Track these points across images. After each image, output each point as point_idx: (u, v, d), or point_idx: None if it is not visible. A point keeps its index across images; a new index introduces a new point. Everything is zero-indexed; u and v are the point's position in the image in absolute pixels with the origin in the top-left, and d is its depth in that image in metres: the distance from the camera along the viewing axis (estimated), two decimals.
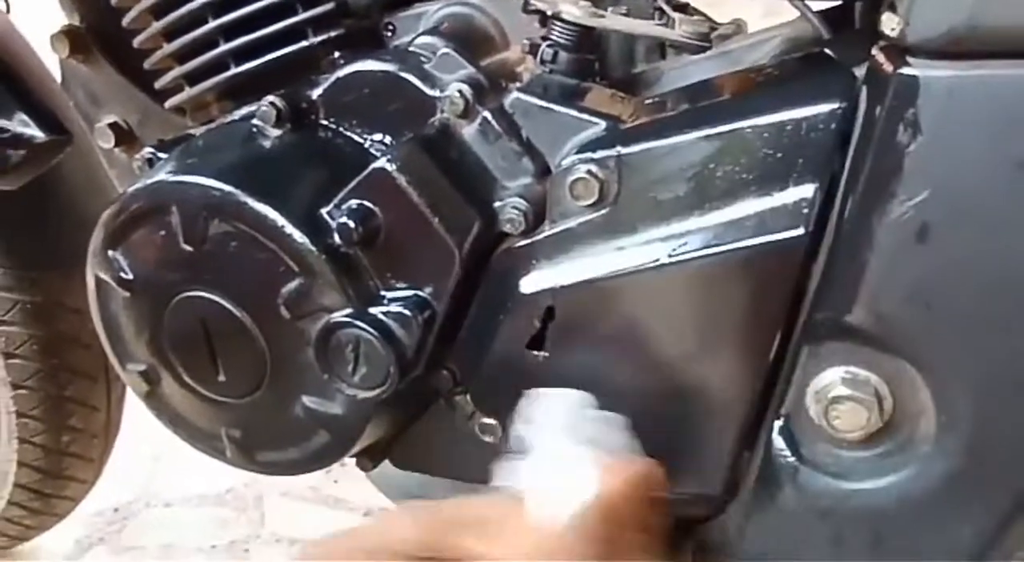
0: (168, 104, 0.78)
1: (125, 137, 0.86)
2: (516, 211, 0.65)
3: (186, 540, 1.42)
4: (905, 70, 0.54)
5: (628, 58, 0.75)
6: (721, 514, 0.66)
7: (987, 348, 0.57)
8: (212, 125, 0.76)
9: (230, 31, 0.72)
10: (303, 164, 0.70)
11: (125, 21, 0.76)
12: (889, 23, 0.55)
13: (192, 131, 0.77)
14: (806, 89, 0.61)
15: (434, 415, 0.73)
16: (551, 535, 0.54)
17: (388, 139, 0.69)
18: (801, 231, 0.59)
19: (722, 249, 0.60)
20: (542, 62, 0.68)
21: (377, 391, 0.65)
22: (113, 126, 0.86)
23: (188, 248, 0.68)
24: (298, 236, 0.64)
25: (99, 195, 0.99)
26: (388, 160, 0.65)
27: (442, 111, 0.67)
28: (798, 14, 0.69)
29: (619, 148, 0.62)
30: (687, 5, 0.75)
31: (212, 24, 0.71)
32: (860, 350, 0.59)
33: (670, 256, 0.61)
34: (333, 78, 0.70)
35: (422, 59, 0.69)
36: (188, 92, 0.75)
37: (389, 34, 0.75)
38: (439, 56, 0.68)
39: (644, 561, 0.56)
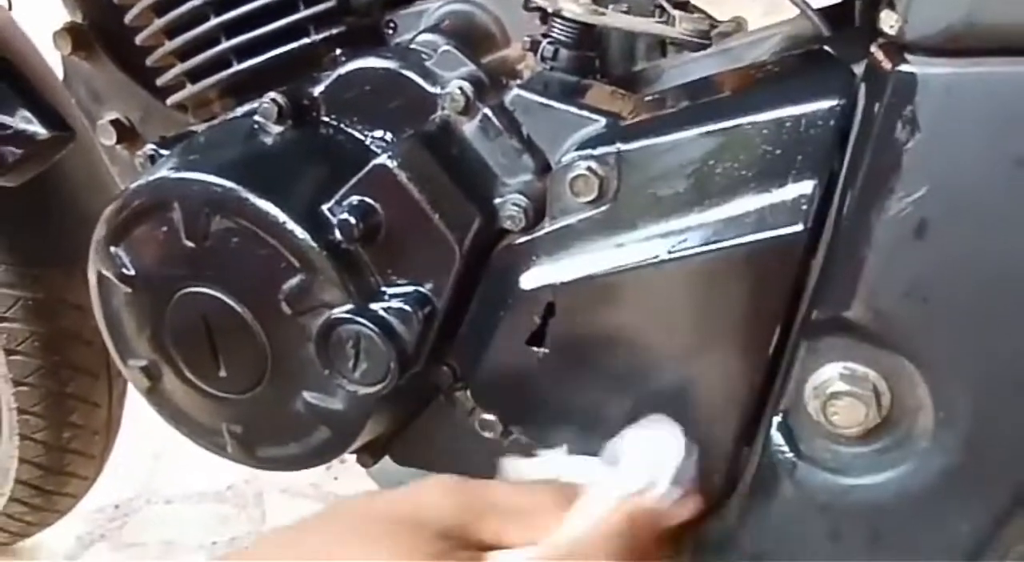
0: (170, 101, 0.78)
1: (127, 134, 0.86)
2: (516, 208, 0.65)
3: (187, 537, 1.42)
4: (903, 67, 0.54)
5: (628, 55, 0.75)
6: (719, 509, 0.66)
7: (985, 345, 0.57)
8: (214, 122, 0.76)
9: (232, 28, 0.72)
10: (304, 161, 0.70)
11: (127, 18, 0.76)
12: (887, 20, 0.55)
13: (194, 128, 0.78)
14: (805, 86, 0.61)
15: (434, 411, 0.73)
16: (586, 537, 0.54)
17: (389, 136, 0.69)
18: (800, 227, 0.59)
19: (721, 245, 0.60)
20: (543, 59, 0.69)
21: (377, 387, 0.66)
22: (115, 123, 0.86)
23: (190, 244, 0.68)
24: (299, 232, 0.64)
25: (101, 192, 1.00)
26: (389, 157, 0.65)
27: (443, 108, 0.67)
28: (798, 12, 0.69)
29: (619, 145, 0.62)
30: (687, 3, 0.75)
31: (214, 22, 0.72)
32: (858, 346, 0.59)
33: (670, 252, 0.61)
34: (334, 75, 0.70)
35: (423, 56, 0.69)
36: (190, 89, 0.75)
37: (390, 32, 0.75)
38: (440, 53, 0.68)
39: None
